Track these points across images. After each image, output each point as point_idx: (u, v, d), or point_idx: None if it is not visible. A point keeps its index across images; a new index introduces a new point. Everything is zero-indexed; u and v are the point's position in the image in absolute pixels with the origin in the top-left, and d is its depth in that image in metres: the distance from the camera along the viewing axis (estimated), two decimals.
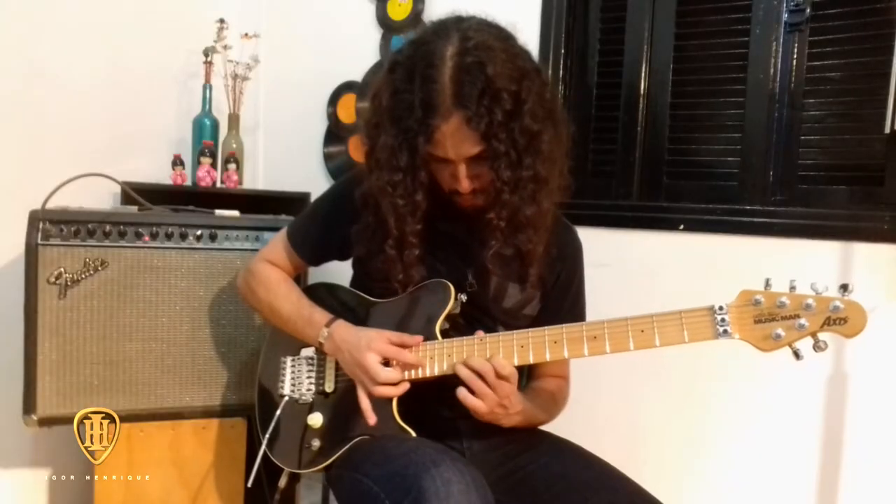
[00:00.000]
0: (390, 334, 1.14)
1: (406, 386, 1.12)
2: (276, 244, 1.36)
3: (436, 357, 1.13)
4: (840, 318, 0.93)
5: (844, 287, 0.93)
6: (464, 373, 1.07)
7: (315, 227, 1.32)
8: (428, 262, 1.21)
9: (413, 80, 1.05)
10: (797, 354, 0.96)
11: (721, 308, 0.98)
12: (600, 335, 1.05)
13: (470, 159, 1.08)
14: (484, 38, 1.05)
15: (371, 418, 1.11)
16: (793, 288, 0.96)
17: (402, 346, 1.13)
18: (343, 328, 1.18)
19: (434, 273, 1.21)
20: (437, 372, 1.12)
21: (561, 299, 1.28)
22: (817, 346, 0.95)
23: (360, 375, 1.13)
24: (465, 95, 1.01)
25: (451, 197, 1.16)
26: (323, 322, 1.20)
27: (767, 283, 0.97)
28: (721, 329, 0.98)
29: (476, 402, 1.06)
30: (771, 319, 0.96)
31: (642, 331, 1.02)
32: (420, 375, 1.13)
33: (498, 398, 1.07)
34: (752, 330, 0.97)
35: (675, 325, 1.01)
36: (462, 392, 1.07)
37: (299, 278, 1.43)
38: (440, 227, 1.21)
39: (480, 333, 1.12)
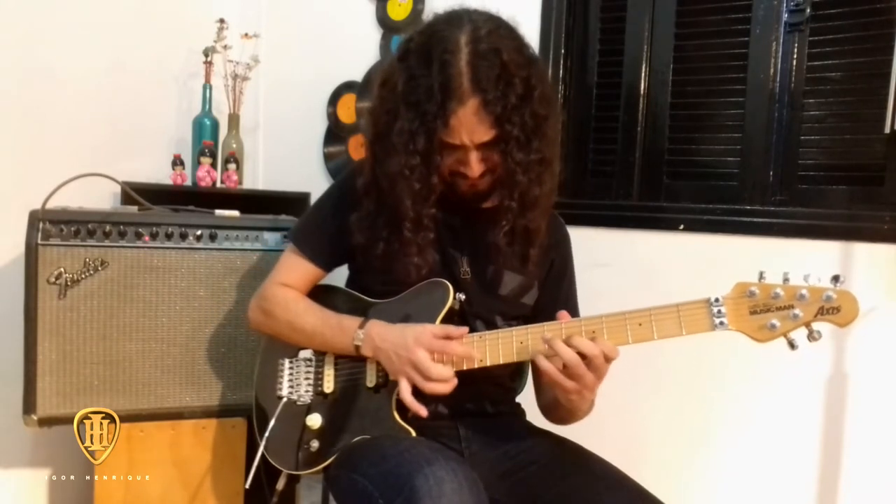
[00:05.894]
0: (434, 328, 1.12)
1: (456, 380, 1.10)
2: (284, 263, 1.32)
3: (475, 348, 1.12)
4: (833, 308, 0.95)
5: (836, 278, 0.95)
6: (566, 352, 1.02)
7: (325, 227, 1.29)
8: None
9: (430, 65, 1.06)
10: (792, 344, 0.98)
11: (717, 300, 1.00)
12: (599, 330, 1.05)
13: (481, 144, 1.09)
14: (494, 27, 1.08)
15: (422, 411, 1.09)
16: (786, 280, 0.98)
17: (448, 338, 1.11)
18: (380, 327, 1.16)
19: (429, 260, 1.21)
20: (488, 363, 1.11)
21: (557, 287, 1.30)
22: (811, 336, 0.96)
23: (409, 372, 1.10)
24: (483, 80, 1.04)
25: (452, 180, 1.16)
26: (355, 325, 1.18)
27: (761, 276, 0.99)
28: (717, 321, 0.99)
29: (568, 382, 1.03)
30: (766, 310, 0.98)
31: (640, 324, 1.03)
32: (465, 367, 1.12)
33: (596, 379, 1.04)
34: (748, 321, 0.99)
35: (672, 318, 1.02)
36: (547, 365, 1.03)
37: None
38: (438, 217, 1.21)
39: (565, 315, 1.08)
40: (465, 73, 1.04)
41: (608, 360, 1.03)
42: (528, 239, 1.19)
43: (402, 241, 1.16)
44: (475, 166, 1.11)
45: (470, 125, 1.07)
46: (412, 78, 1.08)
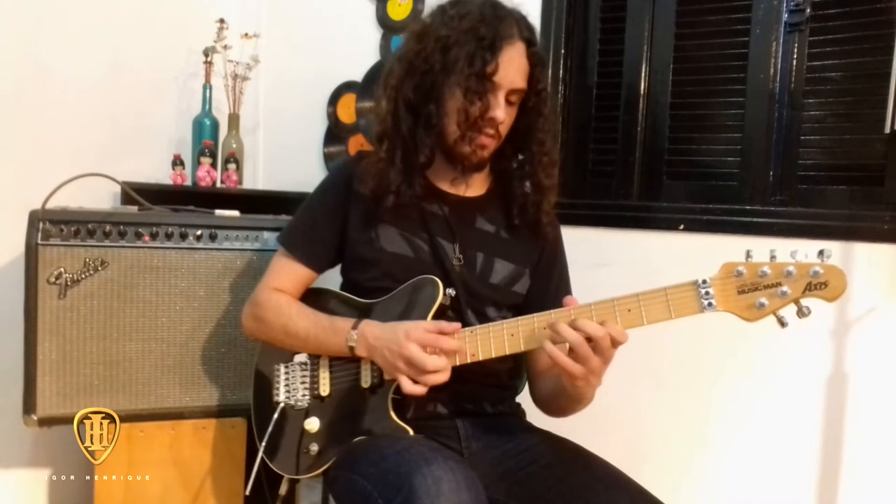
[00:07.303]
0: (426, 323, 1.12)
1: (450, 371, 1.10)
2: (274, 267, 1.32)
3: (467, 343, 1.12)
4: (820, 283, 0.95)
5: (821, 252, 0.95)
6: (571, 335, 1.01)
7: (315, 226, 1.30)
8: (412, 242, 1.23)
9: (483, 13, 1.17)
10: (782, 322, 0.97)
11: (705, 282, 1.00)
12: (588, 318, 1.04)
13: (511, 91, 1.18)
14: None
15: (424, 389, 1.10)
16: (773, 257, 0.97)
17: (441, 333, 1.11)
18: (373, 326, 1.16)
19: (418, 251, 1.23)
20: (480, 357, 1.11)
21: (549, 277, 1.31)
22: (800, 313, 0.96)
23: (404, 368, 1.10)
24: (527, 31, 1.19)
25: (460, 143, 1.19)
26: (348, 326, 1.18)
27: (748, 255, 0.98)
28: (706, 302, 0.99)
29: (575, 366, 1.01)
30: (754, 289, 0.97)
31: (629, 310, 1.02)
32: (458, 362, 1.11)
33: (603, 364, 1.02)
34: (737, 301, 0.98)
35: (660, 301, 1.01)
36: (553, 349, 1.02)
37: None
38: (425, 208, 1.24)
39: (573, 301, 1.07)
40: (515, 20, 1.18)
41: (615, 344, 1.02)
42: (541, 193, 1.26)
43: (411, 188, 1.21)
44: (500, 110, 1.17)
45: (515, 65, 1.17)
46: (465, 16, 1.16)
